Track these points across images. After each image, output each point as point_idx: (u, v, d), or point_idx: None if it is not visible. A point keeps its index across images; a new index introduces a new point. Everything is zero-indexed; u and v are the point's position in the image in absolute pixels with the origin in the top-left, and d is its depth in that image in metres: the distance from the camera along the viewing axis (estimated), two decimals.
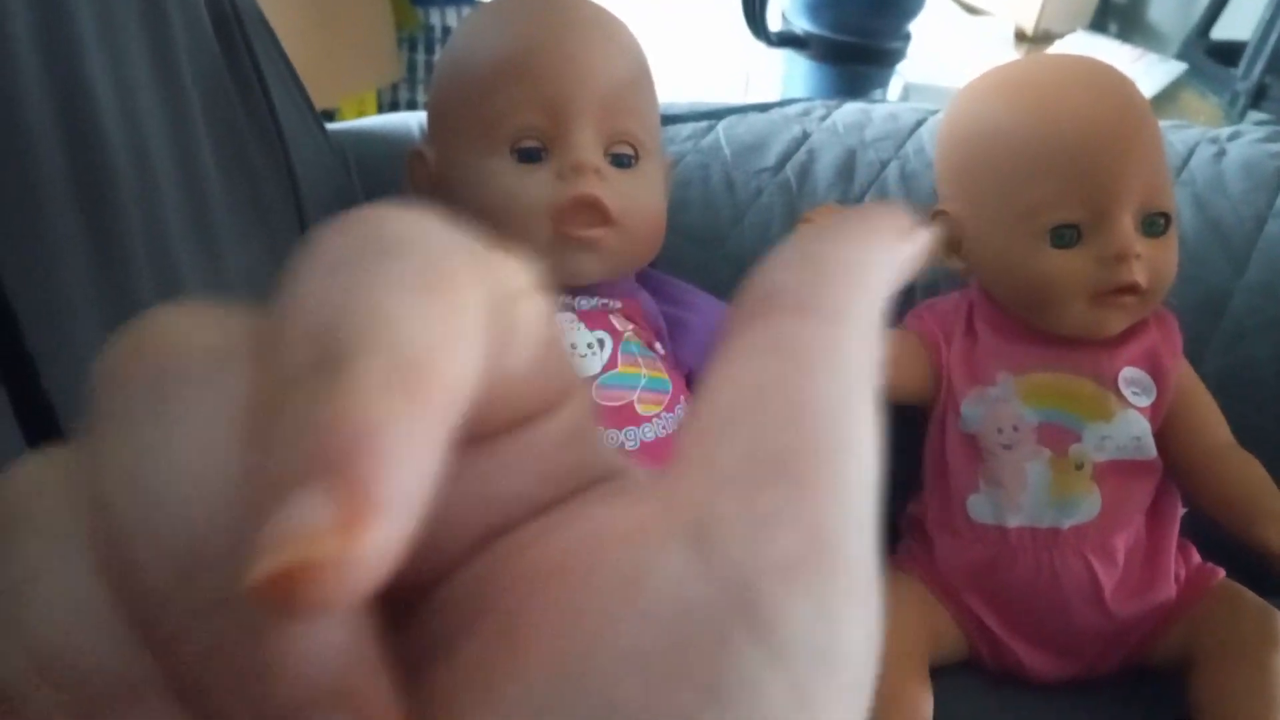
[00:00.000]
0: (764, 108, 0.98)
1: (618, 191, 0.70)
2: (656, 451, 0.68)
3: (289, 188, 0.69)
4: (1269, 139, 0.94)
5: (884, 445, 0.14)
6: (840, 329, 0.14)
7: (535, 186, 0.69)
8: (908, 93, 1.88)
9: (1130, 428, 0.72)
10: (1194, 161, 0.91)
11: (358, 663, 0.12)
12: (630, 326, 0.72)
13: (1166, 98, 1.94)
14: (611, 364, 0.70)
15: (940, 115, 0.87)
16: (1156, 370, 0.74)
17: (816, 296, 0.14)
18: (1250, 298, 0.84)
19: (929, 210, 0.78)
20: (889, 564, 0.76)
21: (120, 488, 0.12)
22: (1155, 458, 0.73)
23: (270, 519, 0.11)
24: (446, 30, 1.66)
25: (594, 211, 0.69)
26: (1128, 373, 0.73)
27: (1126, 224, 0.70)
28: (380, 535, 0.11)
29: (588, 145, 0.69)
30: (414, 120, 0.92)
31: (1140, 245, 0.70)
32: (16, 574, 0.13)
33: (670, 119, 0.92)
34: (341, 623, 0.12)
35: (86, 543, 0.13)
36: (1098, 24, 2.29)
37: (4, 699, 0.12)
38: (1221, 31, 2.00)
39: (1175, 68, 1.99)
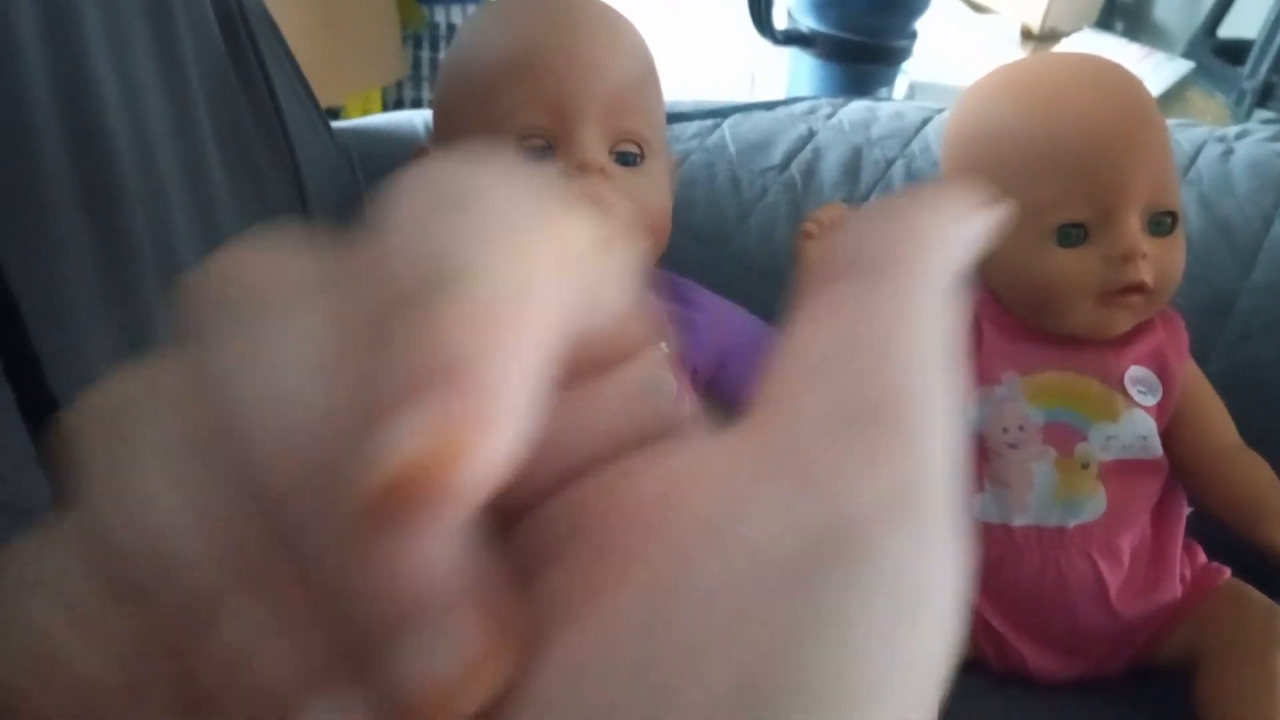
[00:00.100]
0: (769, 106, 0.98)
1: (623, 190, 0.70)
2: None
3: (294, 186, 0.69)
4: (1276, 138, 0.94)
5: (958, 404, 0.14)
6: (918, 291, 0.15)
7: None
8: (913, 91, 1.88)
9: (1136, 427, 0.72)
10: (1201, 160, 0.91)
11: (470, 567, 0.12)
12: None
13: (1173, 96, 1.94)
14: None
15: (946, 114, 0.87)
16: (1162, 370, 0.74)
17: (896, 260, 0.15)
18: (1257, 297, 0.84)
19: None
20: None
21: (228, 398, 0.13)
22: (1161, 457, 0.72)
23: (384, 430, 0.11)
24: (452, 28, 1.66)
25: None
26: (1134, 372, 0.73)
27: (1133, 223, 0.70)
28: (490, 447, 0.11)
29: (593, 144, 0.69)
30: (419, 118, 0.92)
31: (1147, 244, 0.70)
32: (132, 469, 0.13)
33: (676, 117, 0.92)
34: (449, 536, 0.12)
35: (202, 444, 0.13)
36: (1104, 22, 2.28)
37: (130, 588, 0.13)
38: (1228, 30, 2.00)
39: (1182, 66, 1.99)
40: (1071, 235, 0.70)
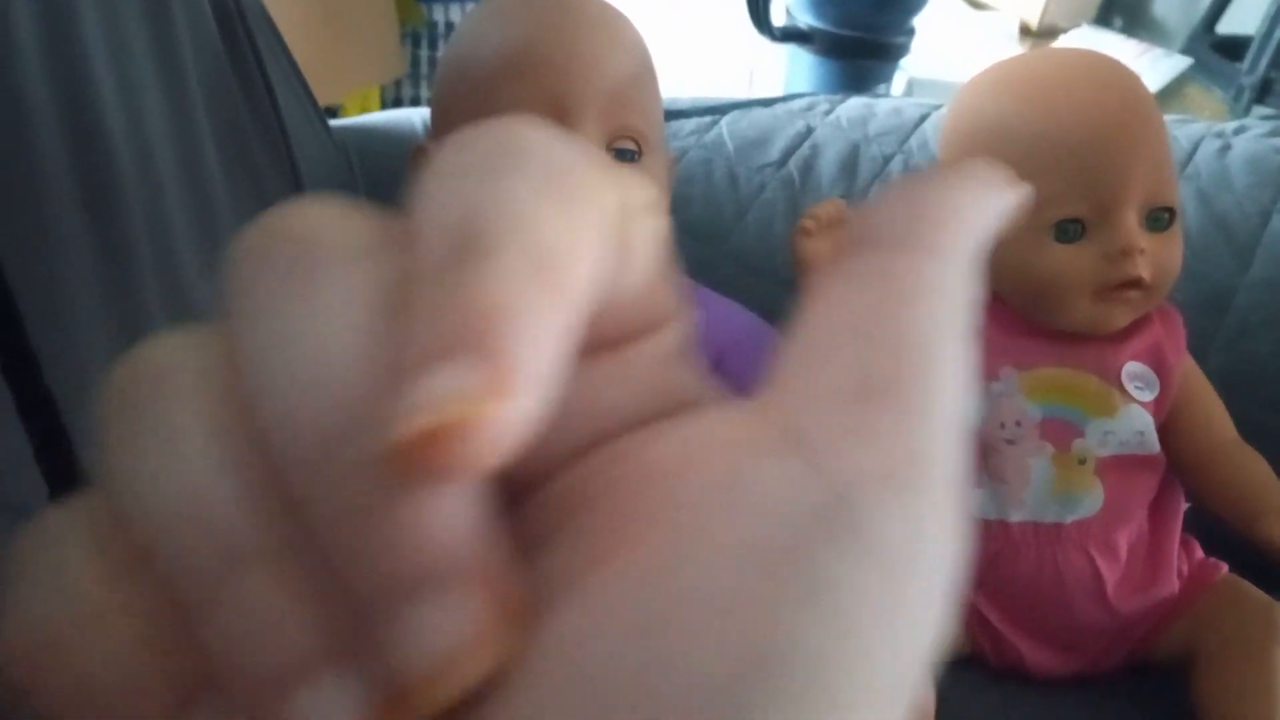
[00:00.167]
0: (768, 103, 0.98)
1: None
2: None
3: (292, 184, 0.69)
4: (1274, 134, 0.94)
5: (971, 379, 0.14)
6: (938, 265, 0.15)
7: None
8: (911, 88, 1.87)
9: (1133, 423, 0.72)
10: (1199, 156, 0.91)
11: (481, 537, 0.12)
12: None
13: (1171, 92, 1.94)
14: None
15: (944, 110, 0.87)
16: (1160, 365, 0.74)
17: (916, 234, 0.15)
18: (1254, 293, 0.84)
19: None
20: None
21: (271, 354, 0.13)
22: (1158, 453, 0.73)
23: (415, 386, 0.11)
24: (450, 26, 1.66)
25: None
26: (1131, 367, 0.73)
27: (1131, 219, 0.70)
28: (517, 406, 0.11)
29: (591, 140, 0.69)
30: (417, 116, 0.92)
31: (1144, 240, 0.70)
32: (161, 436, 0.13)
33: (674, 114, 0.92)
34: (470, 498, 0.12)
35: (228, 407, 0.13)
36: (1102, 18, 2.28)
37: (151, 555, 0.13)
38: (1227, 26, 1.99)
39: (1180, 62, 1.98)
40: (1069, 231, 0.70)
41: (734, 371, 0.73)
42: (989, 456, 0.73)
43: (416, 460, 0.11)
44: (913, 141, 0.92)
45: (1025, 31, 2.17)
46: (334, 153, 0.82)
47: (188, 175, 0.56)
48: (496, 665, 0.12)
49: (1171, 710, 0.68)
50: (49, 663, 0.13)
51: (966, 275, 0.15)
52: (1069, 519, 0.71)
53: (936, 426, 0.14)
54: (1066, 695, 0.72)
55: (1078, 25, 2.18)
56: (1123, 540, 0.71)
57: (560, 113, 0.69)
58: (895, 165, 0.90)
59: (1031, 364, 0.73)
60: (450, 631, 0.12)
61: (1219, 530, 0.72)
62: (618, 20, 0.75)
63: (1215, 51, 1.96)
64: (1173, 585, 0.71)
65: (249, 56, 0.67)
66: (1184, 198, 0.85)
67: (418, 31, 1.67)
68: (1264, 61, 1.80)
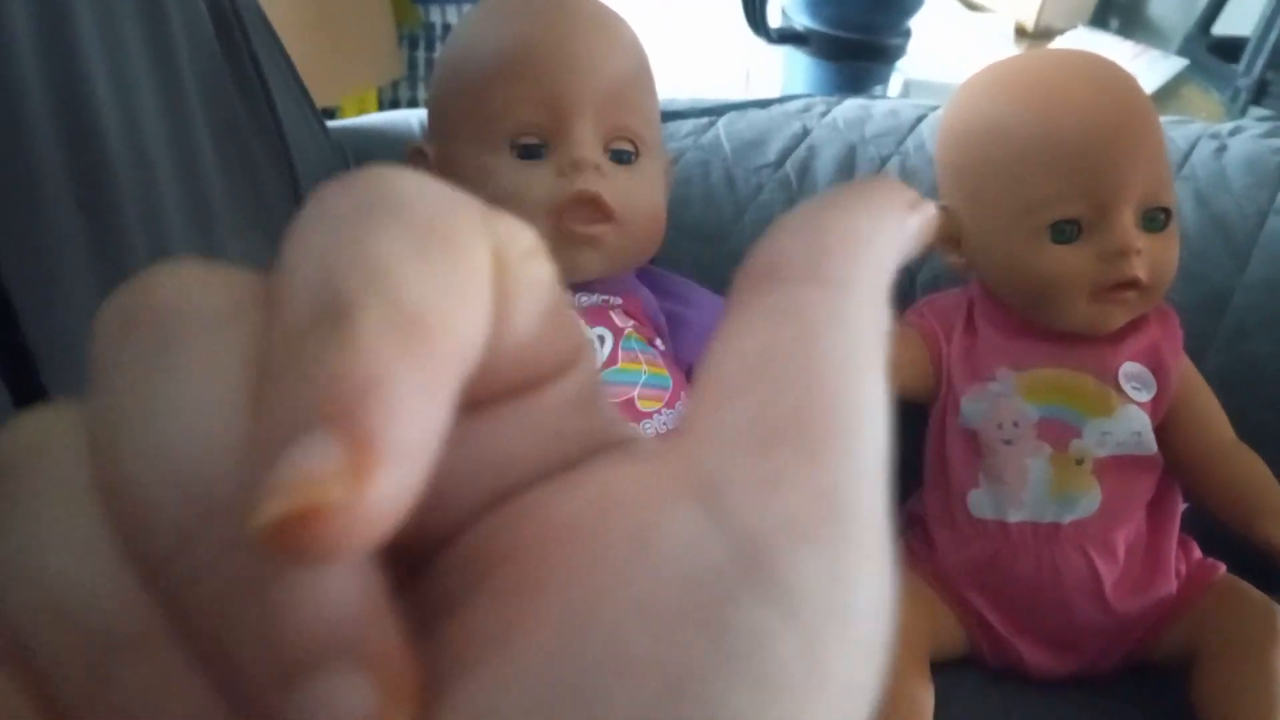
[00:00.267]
0: (764, 104, 0.98)
1: (618, 188, 0.70)
2: None
3: (290, 185, 0.69)
4: (1270, 134, 0.94)
5: (892, 414, 0.14)
6: (847, 296, 0.14)
7: (536, 183, 0.69)
8: (908, 89, 1.88)
9: (1131, 423, 0.72)
10: (1195, 157, 0.91)
11: (369, 614, 0.12)
12: (631, 323, 0.73)
13: (1168, 93, 1.94)
14: (612, 360, 0.70)
15: (941, 111, 0.87)
16: (1157, 365, 0.74)
17: (822, 264, 0.14)
18: (1252, 294, 0.84)
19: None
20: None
21: (128, 436, 0.12)
22: (1156, 453, 0.73)
23: (274, 467, 0.11)
24: (447, 27, 1.66)
25: (594, 208, 0.69)
26: (1128, 368, 0.73)
27: (1127, 219, 0.70)
28: (387, 483, 0.11)
29: (588, 141, 0.69)
30: (414, 118, 0.92)
31: (1141, 241, 0.70)
32: (25, 524, 0.12)
33: (670, 115, 0.92)
34: (352, 573, 0.12)
35: (94, 492, 0.13)
36: (1098, 20, 2.28)
37: (18, 647, 0.12)
38: (1223, 27, 1.99)
39: (1176, 63, 1.99)
40: (1066, 231, 0.70)
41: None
42: (986, 457, 0.73)
43: (284, 543, 0.11)
44: (909, 143, 0.92)
45: (1021, 33, 2.17)
46: (331, 154, 0.81)
47: (184, 175, 0.56)
48: None
49: (1170, 710, 0.68)
50: None
51: (875, 305, 0.14)
52: (1067, 519, 0.71)
53: (853, 465, 0.13)
54: (1065, 695, 0.72)
55: (1074, 26, 2.19)
56: (1121, 540, 0.71)
57: (557, 113, 0.69)
58: (892, 166, 0.90)
59: (1029, 364, 0.73)
60: (345, 714, 0.11)
61: (1217, 530, 0.72)
62: (614, 21, 0.75)
63: (1211, 53, 1.96)
64: (1171, 585, 0.71)
65: (245, 57, 0.67)
66: (1181, 199, 0.85)
67: (415, 33, 1.67)
68: (1260, 63, 1.81)
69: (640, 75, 0.75)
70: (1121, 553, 0.71)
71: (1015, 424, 0.72)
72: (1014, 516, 0.71)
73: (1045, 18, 2.16)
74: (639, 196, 0.72)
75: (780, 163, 0.91)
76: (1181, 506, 0.74)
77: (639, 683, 0.11)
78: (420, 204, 0.13)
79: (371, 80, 1.62)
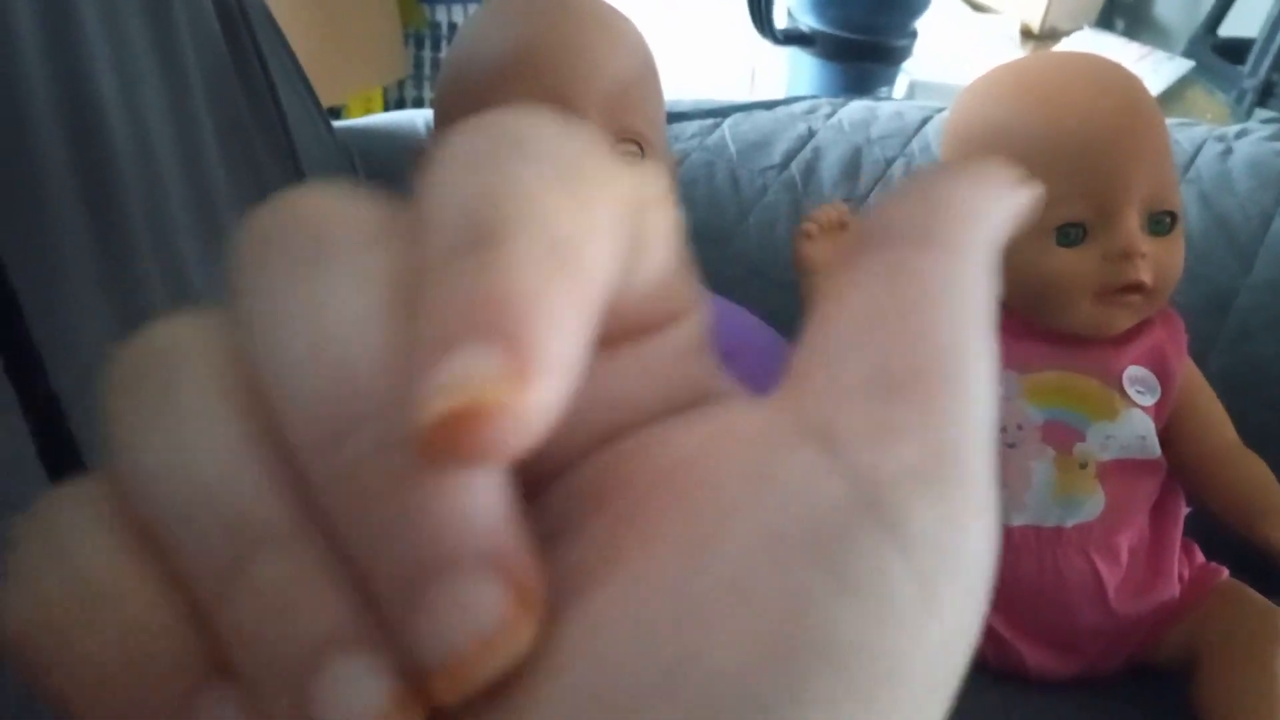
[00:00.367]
0: (769, 105, 0.98)
1: None
2: None
3: (294, 185, 0.69)
4: (1275, 137, 0.94)
5: (994, 377, 0.14)
6: (958, 260, 0.15)
7: None
8: (913, 90, 1.88)
9: (1135, 427, 0.72)
10: (1200, 159, 0.91)
11: (507, 524, 0.12)
12: None
13: (1173, 95, 1.94)
14: None
15: (946, 113, 0.87)
16: (1161, 369, 0.74)
17: (935, 230, 0.15)
18: (1256, 296, 0.84)
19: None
20: None
21: (279, 340, 0.13)
22: (1159, 457, 0.72)
23: (437, 370, 0.11)
24: (453, 27, 1.66)
25: None
26: (1132, 371, 0.73)
27: (1132, 222, 0.70)
28: (543, 390, 0.11)
29: None
30: (420, 118, 0.92)
31: (1146, 243, 0.70)
32: (174, 420, 0.13)
33: (676, 116, 0.92)
34: (493, 484, 0.12)
35: (241, 391, 0.13)
36: (1104, 21, 2.28)
37: (163, 538, 0.13)
38: (1229, 29, 1.99)
39: (1182, 65, 1.98)
40: (1071, 234, 0.70)
41: (737, 374, 0.73)
42: None
43: (441, 444, 0.11)
44: (914, 144, 0.92)
45: (1027, 34, 2.17)
46: (337, 153, 0.82)
47: (190, 173, 0.56)
48: (520, 655, 0.12)
49: (1172, 713, 0.68)
50: (53, 645, 0.13)
51: (985, 272, 0.15)
52: (1070, 522, 0.71)
53: (964, 422, 0.13)
54: (1067, 698, 0.72)
55: (1079, 28, 2.18)
56: (1124, 544, 0.71)
57: (562, 114, 0.69)
58: (897, 168, 0.90)
59: (1033, 367, 0.73)
60: (477, 617, 0.12)
61: (1220, 534, 0.72)
62: (620, 22, 0.75)
63: (1217, 54, 1.96)
64: (1173, 589, 0.71)
65: (251, 56, 0.67)
66: (1186, 201, 0.85)
67: (420, 33, 1.67)
68: (1266, 64, 1.80)
69: (646, 76, 0.75)
70: (1124, 556, 0.70)
71: (1019, 427, 0.72)
72: (1017, 519, 0.71)
73: (1051, 19, 2.16)
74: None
75: (785, 164, 0.91)
76: (1185, 510, 0.74)
77: (761, 609, 0.12)
78: (565, 142, 0.13)
79: (377, 79, 1.63)
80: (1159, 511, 0.73)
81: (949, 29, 2.04)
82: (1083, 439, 0.72)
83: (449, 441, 0.11)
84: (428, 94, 1.69)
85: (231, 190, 0.61)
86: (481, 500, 0.12)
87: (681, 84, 1.01)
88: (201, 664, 0.13)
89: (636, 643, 0.12)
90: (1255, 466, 0.72)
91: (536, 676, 0.12)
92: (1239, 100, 1.86)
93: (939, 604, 0.12)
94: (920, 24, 1.65)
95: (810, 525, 0.12)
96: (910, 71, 1.82)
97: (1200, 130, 0.95)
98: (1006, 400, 0.73)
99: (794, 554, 0.12)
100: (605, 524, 0.14)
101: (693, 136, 0.93)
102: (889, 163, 0.91)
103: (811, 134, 0.93)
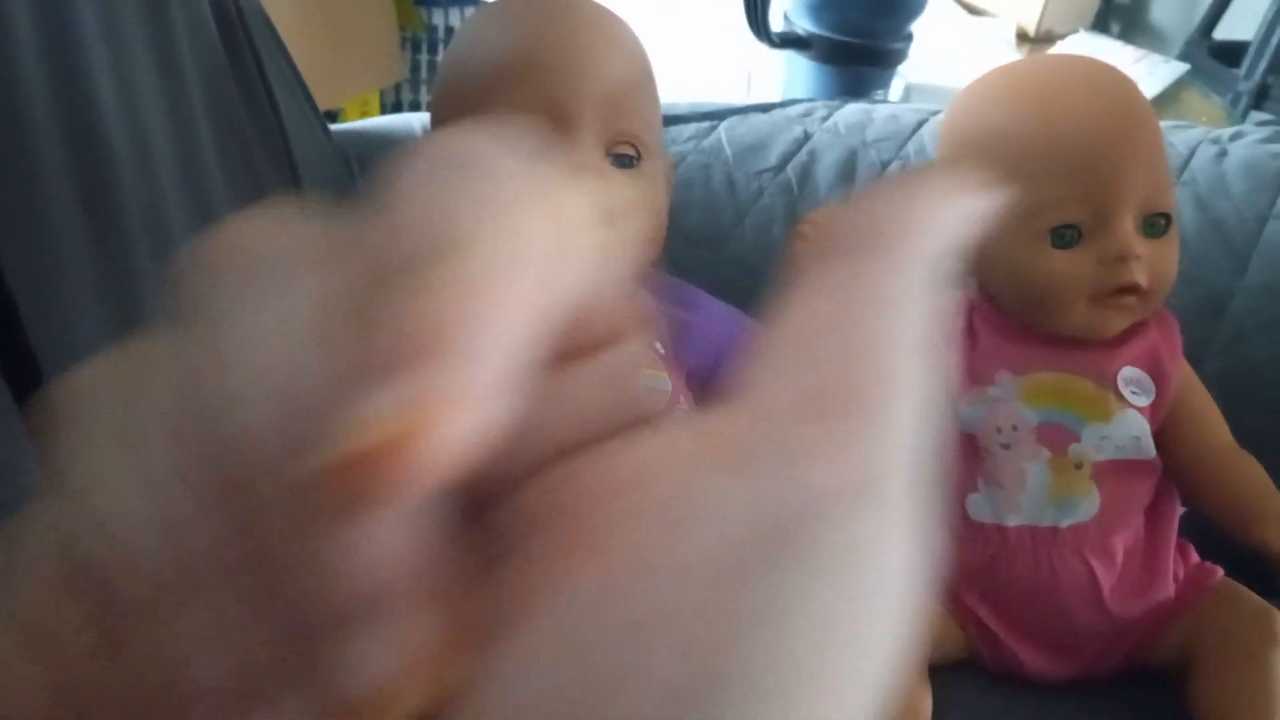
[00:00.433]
0: (765, 108, 0.98)
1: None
2: None
3: (292, 187, 0.69)
4: (1271, 139, 0.94)
5: (935, 391, 0.14)
6: (895, 276, 0.15)
7: None
8: (909, 93, 1.88)
9: (1129, 428, 0.72)
10: (1195, 162, 0.91)
11: (429, 559, 0.12)
12: None
13: (1168, 98, 1.94)
14: None
15: (941, 116, 0.87)
16: (1156, 370, 0.74)
17: (873, 245, 0.15)
18: (1251, 298, 0.84)
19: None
20: None
21: (209, 374, 0.13)
22: (1154, 458, 0.73)
23: (350, 405, 0.11)
24: (450, 30, 1.66)
25: None
26: (1127, 373, 0.73)
27: (1127, 225, 0.70)
28: (464, 424, 0.11)
29: (589, 146, 0.70)
30: (417, 121, 0.92)
31: (1141, 246, 0.70)
32: (97, 457, 0.13)
33: (672, 119, 0.93)
34: (409, 519, 0.12)
35: (165, 427, 0.13)
36: (1100, 24, 2.29)
37: (82, 573, 0.13)
38: (1224, 32, 2.00)
39: (1177, 68, 1.99)
40: (1066, 236, 0.71)
41: (732, 376, 0.73)
42: (985, 460, 0.73)
43: (344, 483, 0.11)
44: (910, 147, 0.92)
45: (1022, 37, 2.17)
46: (334, 157, 0.82)
47: (187, 176, 0.56)
48: (448, 686, 0.12)
49: (1167, 714, 0.68)
50: None
51: (928, 283, 0.15)
52: (1065, 523, 0.71)
53: (895, 438, 0.13)
54: (1063, 699, 0.72)
55: (1075, 31, 2.19)
56: (1119, 545, 0.71)
57: (559, 118, 0.70)
58: (893, 171, 0.91)
59: (1028, 369, 0.74)
60: (396, 653, 0.11)
61: (1215, 535, 0.72)
62: (616, 26, 0.75)
63: (1212, 57, 1.96)
64: (1169, 589, 0.72)
65: (249, 59, 0.67)
66: (1181, 203, 0.85)
67: (417, 36, 1.67)
68: (1261, 67, 1.81)
69: (642, 80, 0.75)
70: (1120, 557, 0.71)
71: (1014, 428, 0.72)
72: (1012, 520, 0.72)
73: (1046, 22, 2.17)
74: (640, 201, 0.72)
75: (781, 167, 0.91)
76: (1180, 511, 0.75)
77: (686, 634, 0.12)
78: (513, 161, 0.13)
79: (374, 83, 1.63)
80: (1154, 512, 0.73)
81: (944, 32, 2.04)
82: (1078, 440, 0.72)
83: (350, 481, 0.11)
84: (424, 97, 1.69)
85: (228, 193, 0.61)
86: (401, 535, 0.12)
87: (677, 87, 1.01)
88: (129, 704, 0.12)
89: (566, 665, 0.12)
90: (1250, 468, 0.73)
91: (478, 696, 0.12)
92: (1234, 103, 1.86)
93: (867, 620, 0.12)
94: (916, 27, 1.65)
95: (734, 548, 0.12)
96: (906, 74, 1.83)
97: (1195, 133, 0.95)
98: (1002, 402, 0.73)
99: (719, 578, 0.12)
100: (549, 544, 0.14)
101: (689, 139, 0.93)
102: (885, 165, 0.91)
103: (807, 137, 0.93)
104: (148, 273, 0.51)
